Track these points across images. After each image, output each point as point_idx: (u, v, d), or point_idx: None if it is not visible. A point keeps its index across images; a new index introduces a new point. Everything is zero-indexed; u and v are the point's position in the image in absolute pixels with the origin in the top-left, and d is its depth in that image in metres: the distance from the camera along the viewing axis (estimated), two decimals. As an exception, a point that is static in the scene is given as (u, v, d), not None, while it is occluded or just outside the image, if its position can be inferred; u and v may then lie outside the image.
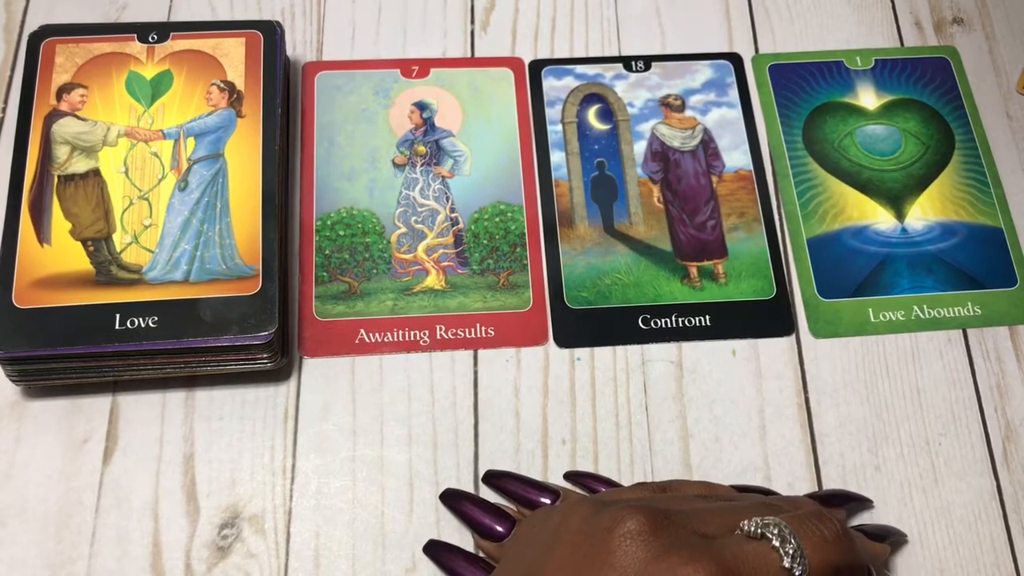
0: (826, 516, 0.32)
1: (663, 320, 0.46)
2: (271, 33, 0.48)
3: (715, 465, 0.43)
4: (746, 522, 0.31)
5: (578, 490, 0.41)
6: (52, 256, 0.42)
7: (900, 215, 0.49)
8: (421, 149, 0.50)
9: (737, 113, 0.52)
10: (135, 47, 0.48)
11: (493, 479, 0.41)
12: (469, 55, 0.53)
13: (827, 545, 0.31)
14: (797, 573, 0.30)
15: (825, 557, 0.31)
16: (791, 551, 0.30)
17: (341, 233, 0.47)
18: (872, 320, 0.47)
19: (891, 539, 0.40)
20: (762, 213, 0.49)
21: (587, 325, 0.46)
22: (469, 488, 0.42)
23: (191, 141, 0.46)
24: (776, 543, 0.30)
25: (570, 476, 0.42)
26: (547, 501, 0.39)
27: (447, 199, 0.49)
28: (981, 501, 0.43)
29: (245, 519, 0.41)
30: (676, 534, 0.31)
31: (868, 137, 0.52)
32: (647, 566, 0.29)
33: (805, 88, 0.53)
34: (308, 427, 0.43)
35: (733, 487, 0.40)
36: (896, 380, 0.45)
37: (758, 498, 0.37)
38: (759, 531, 0.31)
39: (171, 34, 0.48)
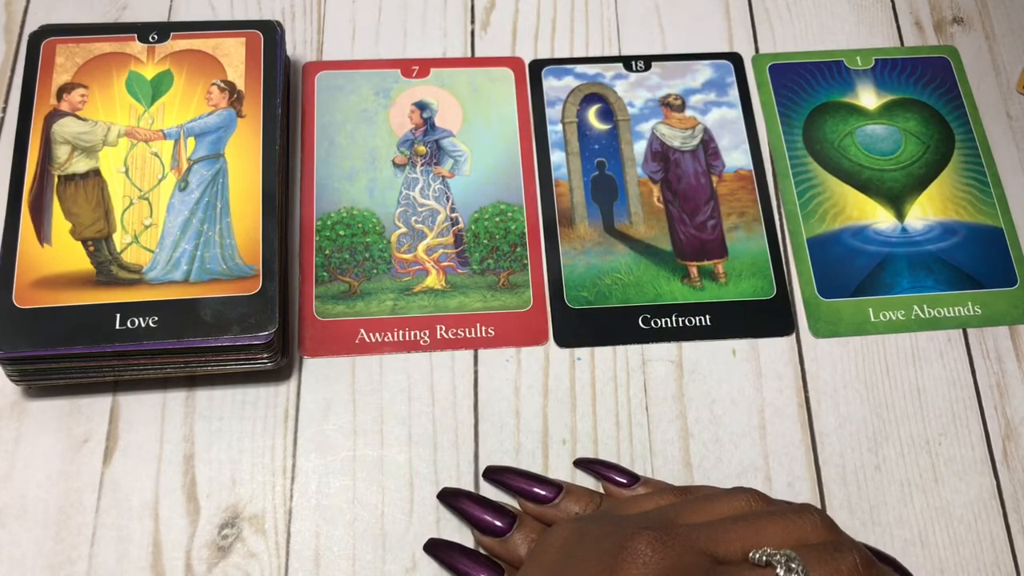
0: (846, 547, 0.31)
1: (663, 320, 0.46)
2: (271, 33, 0.48)
3: (715, 465, 0.43)
4: (754, 552, 0.30)
5: (588, 479, 0.41)
6: (52, 256, 0.42)
7: (900, 215, 0.49)
8: (421, 149, 0.50)
9: (737, 113, 0.52)
10: (135, 47, 0.47)
11: (494, 474, 0.41)
12: (469, 55, 0.53)
13: None
14: None
15: None
16: None
17: (341, 233, 0.47)
18: (872, 320, 0.47)
19: None
20: (762, 213, 0.49)
21: (587, 325, 0.46)
22: (469, 488, 0.42)
23: (191, 141, 0.46)
24: (780, 572, 0.29)
25: (581, 463, 0.42)
26: (548, 495, 0.39)
27: (447, 199, 0.49)
28: (981, 501, 0.43)
29: (245, 519, 0.41)
30: (681, 556, 0.30)
31: (868, 137, 0.52)
32: None
33: (805, 88, 0.53)
34: (308, 427, 0.43)
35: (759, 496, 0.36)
36: (896, 380, 0.45)
37: (786, 514, 0.33)
38: (764, 559, 0.30)
39: (171, 34, 0.48)
